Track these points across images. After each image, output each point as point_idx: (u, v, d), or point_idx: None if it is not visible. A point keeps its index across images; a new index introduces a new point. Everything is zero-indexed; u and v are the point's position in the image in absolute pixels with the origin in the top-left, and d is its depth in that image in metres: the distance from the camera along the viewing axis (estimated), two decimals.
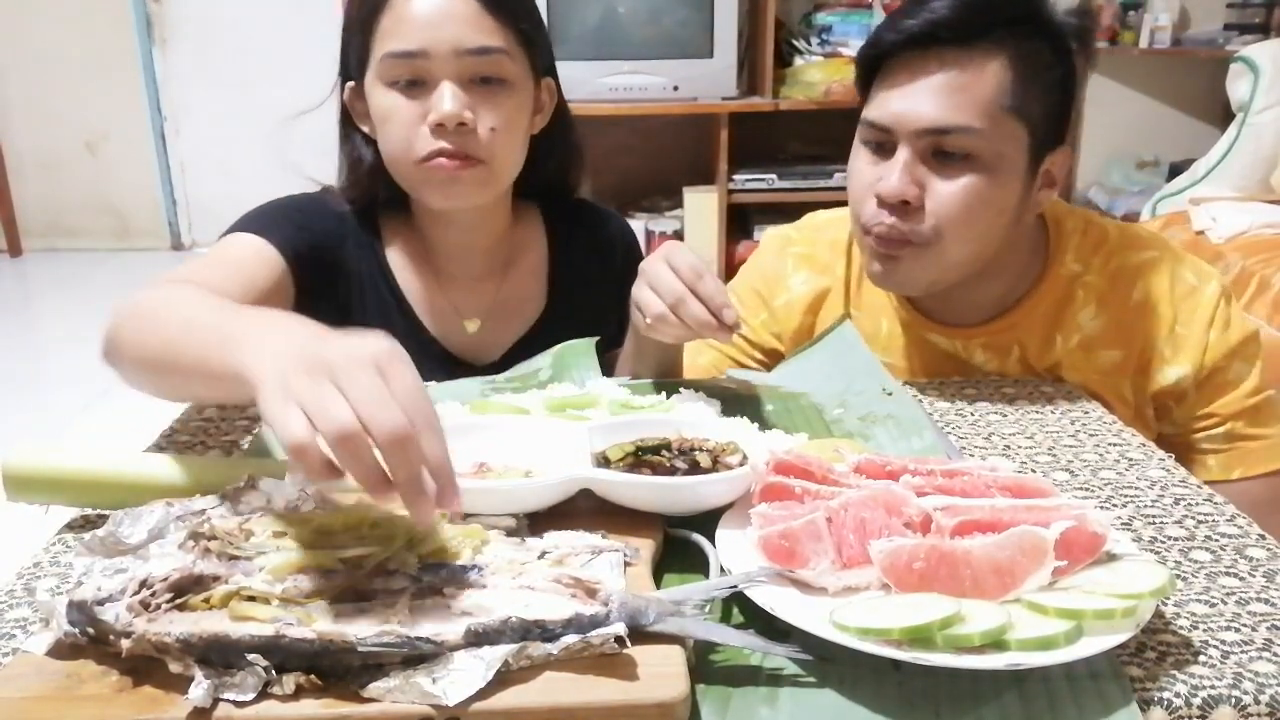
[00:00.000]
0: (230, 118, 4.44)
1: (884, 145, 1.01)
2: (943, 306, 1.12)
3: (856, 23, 3.68)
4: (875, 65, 1.02)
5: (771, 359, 1.21)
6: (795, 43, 3.69)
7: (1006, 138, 0.97)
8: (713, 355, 1.21)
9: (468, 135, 1.02)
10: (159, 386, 0.83)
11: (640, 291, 0.93)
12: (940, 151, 0.98)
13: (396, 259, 1.15)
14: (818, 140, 3.87)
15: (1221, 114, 3.77)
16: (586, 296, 1.20)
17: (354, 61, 1.08)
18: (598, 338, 1.09)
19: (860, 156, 1.04)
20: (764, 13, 3.56)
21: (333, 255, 1.11)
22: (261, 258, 1.03)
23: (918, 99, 0.97)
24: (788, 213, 1.28)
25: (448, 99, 1.00)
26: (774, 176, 3.61)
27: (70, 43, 4.37)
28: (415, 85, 1.02)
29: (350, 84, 1.09)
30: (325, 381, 0.57)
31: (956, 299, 1.10)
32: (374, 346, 0.59)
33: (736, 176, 3.61)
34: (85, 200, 4.60)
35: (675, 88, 3.49)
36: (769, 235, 1.27)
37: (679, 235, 3.70)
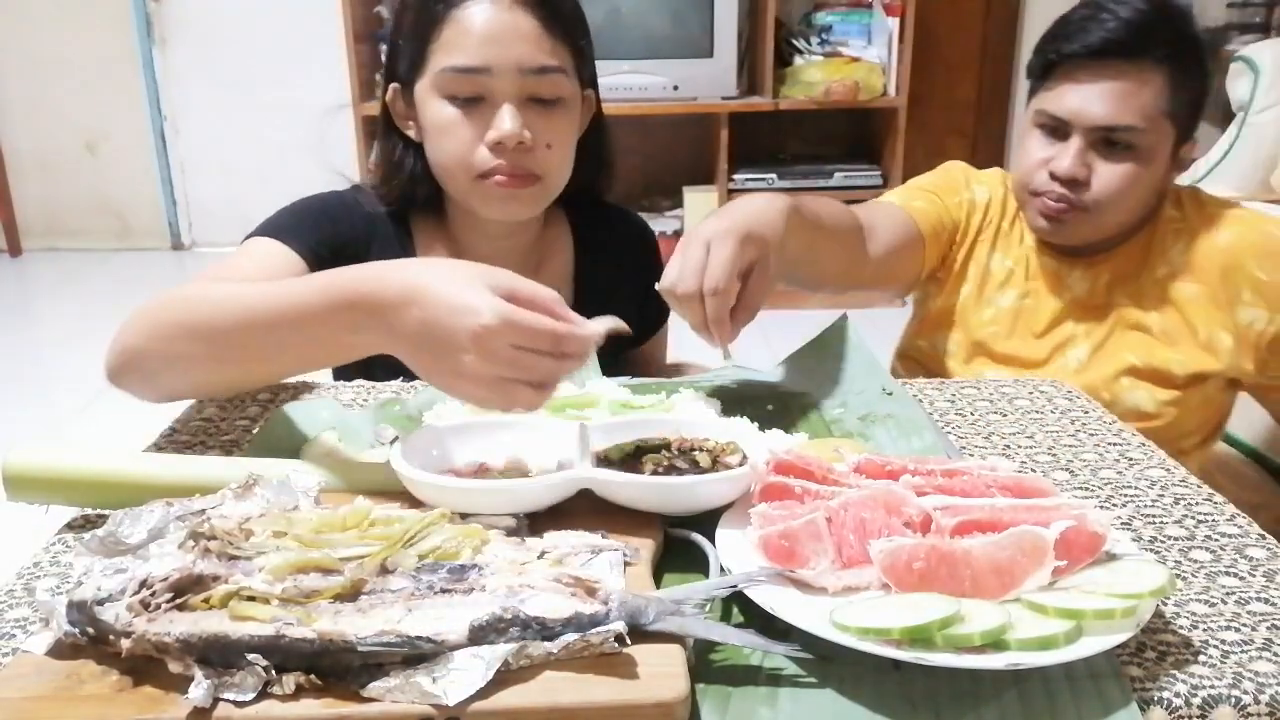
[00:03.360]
0: (230, 118, 4.44)
1: (1057, 130, 1.22)
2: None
3: (856, 22, 3.68)
4: (1051, 63, 1.23)
5: (953, 234, 1.37)
6: (795, 42, 3.69)
7: (1161, 135, 1.20)
8: (925, 204, 1.34)
9: (525, 153, 1.03)
10: (218, 370, 0.85)
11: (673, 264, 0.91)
12: (1107, 141, 1.19)
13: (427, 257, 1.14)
14: (818, 140, 3.87)
15: (1221, 114, 3.77)
16: (611, 298, 1.16)
17: (404, 66, 1.07)
18: None
19: (1033, 136, 1.26)
20: (764, 13, 3.56)
21: (358, 258, 1.09)
22: (283, 262, 1.02)
23: (1093, 100, 1.19)
24: None
25: (508, 119, 1.01)
26: (774, 176, 3.61)
27: (70, 43, 4.37)
28: (474, 101, 1.02)
29: (395, 86, 1.09)
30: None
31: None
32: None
33: (736, 176, 3.61)
34: (85, 200, 4.59)
35: (675, 88, 3.49)
36: (953, 163, 1.45)
37: (679, 235, 3.70)
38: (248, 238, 1.06)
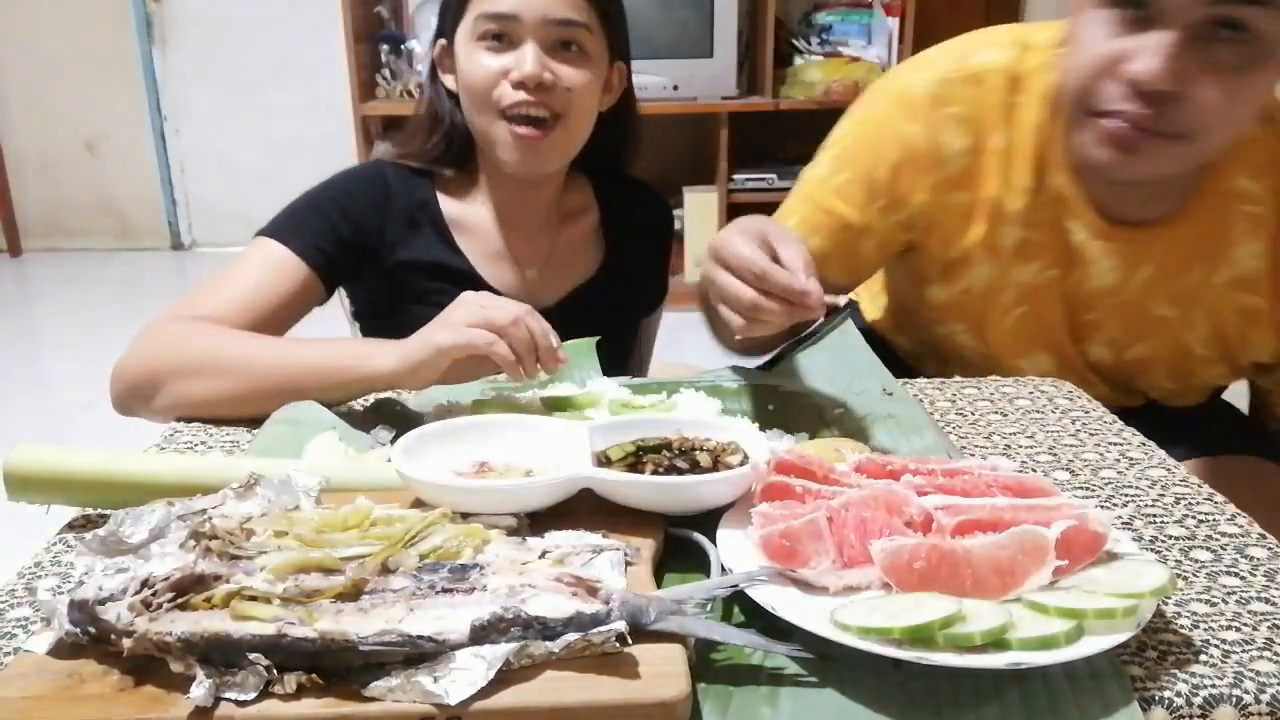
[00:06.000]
0: (230, 118, 4.44)
1: (1139, 18, 0.83)
2: (1104, 194, 0.96)
3: (856, 22, 3.68)
4: None
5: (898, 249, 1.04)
6: (795, 42, 3.69)
7: None
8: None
9: (546, 92, 1.10)
10: (235, 408, 0.96)
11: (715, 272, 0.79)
12: (1216, 34, 0.81)
13: (454, 214, 1.20)
14: (818, 140, 3.85)
15: None
16: (636, 259, 1.30)
17: (449, 20, 1.16)
18: (598, 337, 1.09)
19: (1099, 24, 0.85)
20: (764, 13, 3.56)
21: (372, 239, 1.17)
22: (282, 268, 1.09)
23: None
24: None
25: (529, 59, 1.09)
26: (774, 176, 3.61)
27: (70, 43, 4.37)
28: (502, 41, 1.11)
29: (441, 41, 1.18)
30: (479, 309, 0.88)
31: (1122, 191, 0.95)
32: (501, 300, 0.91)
33: (736, 176, 3.61)
34: (85, 200, 4.60)
35: (675, 88, 3.49)
36: (900, 90, 1.04)
37: (679, 235, 3.70)
38: (258, 234, 1.12)
